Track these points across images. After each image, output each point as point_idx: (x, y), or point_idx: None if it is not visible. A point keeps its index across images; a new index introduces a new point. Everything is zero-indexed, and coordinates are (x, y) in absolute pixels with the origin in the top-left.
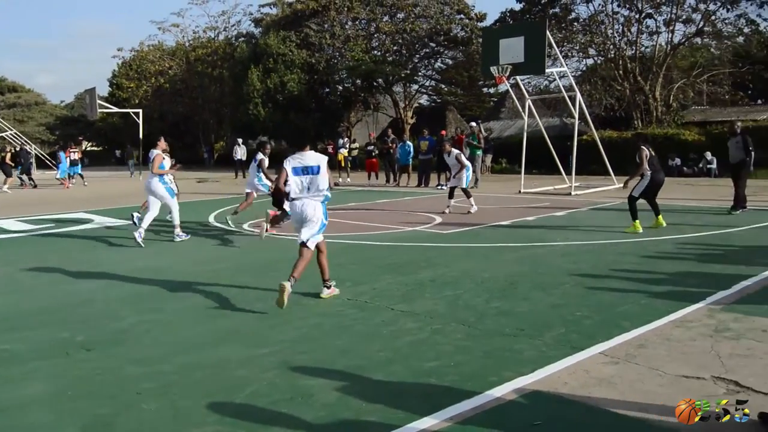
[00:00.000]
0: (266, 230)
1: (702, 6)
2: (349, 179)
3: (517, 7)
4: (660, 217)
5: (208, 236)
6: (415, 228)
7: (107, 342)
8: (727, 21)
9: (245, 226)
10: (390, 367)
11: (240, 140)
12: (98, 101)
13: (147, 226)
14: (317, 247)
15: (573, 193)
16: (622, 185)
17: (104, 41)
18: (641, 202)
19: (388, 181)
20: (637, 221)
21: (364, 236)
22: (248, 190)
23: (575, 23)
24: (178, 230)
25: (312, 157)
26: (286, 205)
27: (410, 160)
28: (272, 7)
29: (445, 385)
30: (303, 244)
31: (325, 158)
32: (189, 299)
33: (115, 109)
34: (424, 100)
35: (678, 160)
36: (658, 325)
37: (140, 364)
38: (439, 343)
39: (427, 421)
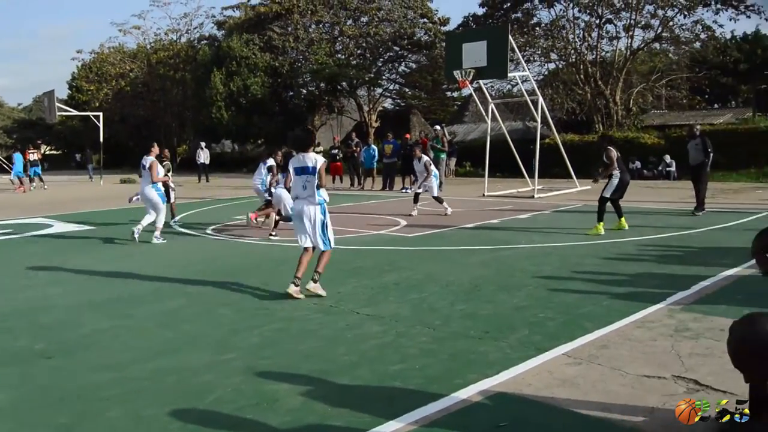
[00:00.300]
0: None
1: (660, 12)
2: None
3: (480, 11)
4: (623, 219)
5: (174, 241)
6: (379, 231)
7: (70, 349)
8: (684, 27)
9: (209, 230)
10: (355, 371)
11: (203, 144)
12: (57, 104)
13: (144, 227)
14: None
15: (536, 196)
16: (592, 181)
17: (63, 43)
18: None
19: (352, 184)
20: (601, 223)
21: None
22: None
23: (537, 28)
24: (158, 233)
25: (311, 158)
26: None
27: (375, 163)
28: (235, 9)
29: (411, 388)
30: (311, 249)
31: (323, 160)
32: (153, 305)
33: (75, 112)
34: (388, 103)
35: (638, 164)
36: (619, 325)
37: (104, 371)
38: (404, 346)
39: (392, 425)
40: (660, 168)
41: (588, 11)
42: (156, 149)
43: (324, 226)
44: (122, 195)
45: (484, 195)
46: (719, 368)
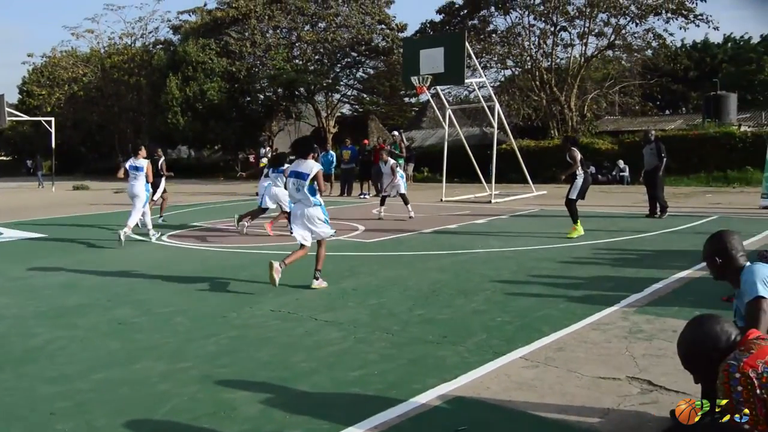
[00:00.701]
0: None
1: (613, 20)
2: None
3: (437, 18)
4: (579, 225)
5: (127, 248)
6: (338, 237)
7: (18, 361)
8: (636, 35)
9: (165, 237)
10: (313, 378)
11: (159, 149)
12: (7, 109)
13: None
14: (318, 241)
15: (493, 201)
16: (562, 178)
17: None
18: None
19: None
20: (578, 223)
21: (287, 246)
22: (274, 204)
23: (493, 35)
24: (127, 229)
25: (307, 166)
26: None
27: (333, 169)
28: (191, 14)
29: (370, 394)
30: (319, 243)
31: (318, 167)
32: (104, 314)
33: (26, 117)
34: (346, 109)
35: (593, 168)
36: (575, 328)
37: (54, 383)
38: (363, 352)
39: (351, 431)
40: (614, 173)
41: (543, 19)
42: (143, 152)
43: (325, 223)
44: (74, 202)
45: (442, 200)
46: (672, 368)
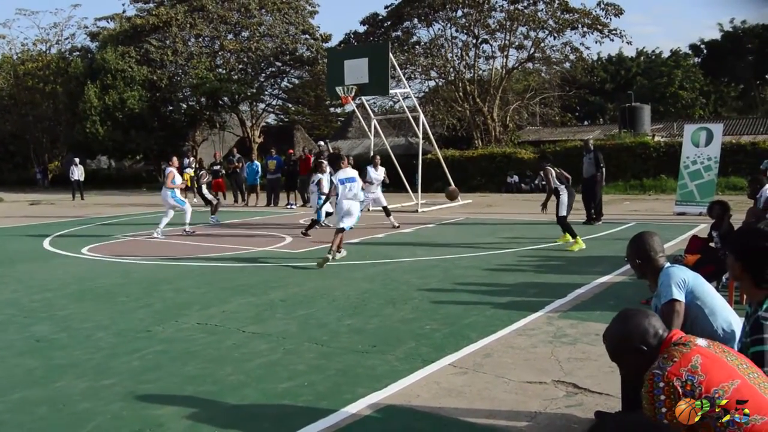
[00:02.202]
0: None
1: (532, 34)
2: (195, 199)
3: (361, 29)
4: (567, 235)
5: (46, 262)
6: (265, 248)
7: None
8: (554, 48)
9: (84, 250)
10: (242, 391)
11: (77, 160)
12: None
13: (163, 227)
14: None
15: (419, 210)
16: (541, 209)
17: None
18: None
19: (236, 201)
20: (578, 237)
21: (212, 257)
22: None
23: (417, 46)
24: (187, 227)
25: (351, 172)
26: (328, 208)
27: (258, 179)
28: (109, 21)
29: (300, 405)
30: (341, 230)
31: (356, 172)
32: (22, 331)
33: None
34: (271, 119)
35: (516, 177)
36: (502, 334)
37: None
38: (292, 363)
39: None
40: (536, 182)
41: (465, 31)
42: (176, 161)
43: (358, 217)
44: None
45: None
46: (596, 371)
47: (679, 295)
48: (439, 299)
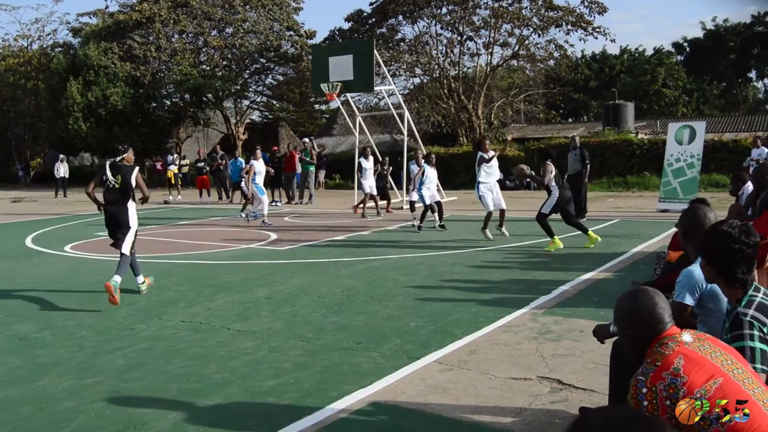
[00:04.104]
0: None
1: (517, 31)
2: (180, 197)
3: (346, 26)
4: (556, 238)
5: (27, 260)
6: (249, 245)
7: None
8: (539, 46)
9: (67, 248)
10: (227, 389)
11: (63, 156)
12: None
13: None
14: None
15: (405, 207)
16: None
17: None
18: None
19: (220, 198)
20: (555, 237)
21: (197, 255)
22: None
23: (402, 43)
24: (265, 218)
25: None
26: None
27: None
28: (92, 16)
29: (285, 403)
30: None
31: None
32: (4, 330)
33: None
34: (256, 116)
35: (501, 175)
36: (487, 330)
37: None
38: (278, 360)
39: None
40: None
41: (450, 28)
42: (258, 153)
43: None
44: None
45: (354, 207)
46: (580, 367)
47: (689, 299)
48: (424, 296)
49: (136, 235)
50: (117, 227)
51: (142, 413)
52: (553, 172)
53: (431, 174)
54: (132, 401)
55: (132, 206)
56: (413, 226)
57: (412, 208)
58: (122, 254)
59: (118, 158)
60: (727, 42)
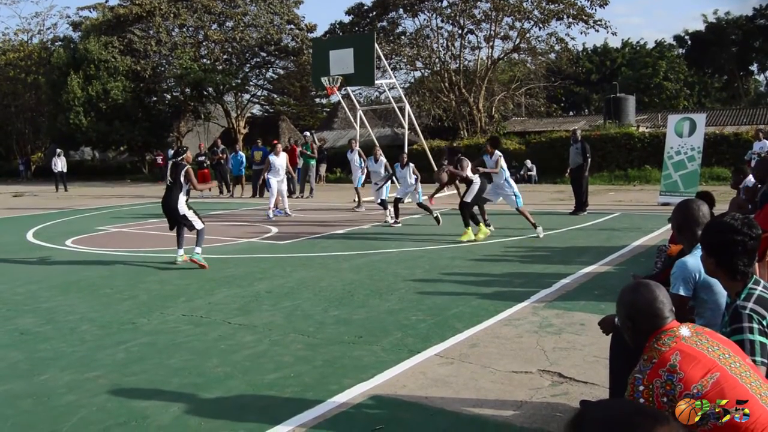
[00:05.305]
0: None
1: (517, 24)
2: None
3: (346, 19)
4: (482, 225)
5: (28, 254)
6: (250, 239)
7: None
8: (540, 39)
9: (68, 242)
10: (228, 383)
11: (60, 151)
12: None
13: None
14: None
15: (405, 200)
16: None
17: None
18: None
19: (221, 192)
20: (469, 228)
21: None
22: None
23: (402, 36)
24: (287, 209)
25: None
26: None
27: (243, 170)
28: (92, 10)
29: (286, 397)
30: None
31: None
32: (5, 324)
33: None
34: (256, 110)
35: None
36: (488, 324)
37: None
38: (279, 354)
39: None
40: (522, 172)
41: (451, 21)
42: (279, 147)
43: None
44: None
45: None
46: (581, 360)
47: (683, 290)
48: (425, 290)
49: (195, 213)
50: (174, 218)
51: (144, 407)
52: (470, 165)
53: (402, 174)
54: (133, 395)
55: (183, 198)
56: (386, 223)
57: (384, 206)
58: (198, 231)
59: (179, 158)
60: (729, 35)
